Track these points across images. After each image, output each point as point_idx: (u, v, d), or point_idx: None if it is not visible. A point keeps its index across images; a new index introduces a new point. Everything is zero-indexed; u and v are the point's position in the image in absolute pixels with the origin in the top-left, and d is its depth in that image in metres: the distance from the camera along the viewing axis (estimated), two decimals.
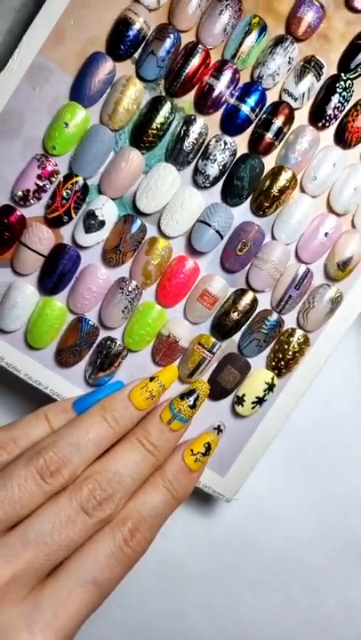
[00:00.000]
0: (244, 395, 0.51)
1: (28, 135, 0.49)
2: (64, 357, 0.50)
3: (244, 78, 0.49)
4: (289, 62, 0.48)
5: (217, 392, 0.51)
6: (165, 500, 0.45)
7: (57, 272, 0.49)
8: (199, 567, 0.60)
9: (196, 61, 0.48)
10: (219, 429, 0.51)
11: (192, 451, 0.47)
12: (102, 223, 0.49)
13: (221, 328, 0.50)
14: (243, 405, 0.51)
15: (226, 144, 0.49)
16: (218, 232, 0.49)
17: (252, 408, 0.51)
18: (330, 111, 0.49)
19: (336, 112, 0.49)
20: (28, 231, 0.49)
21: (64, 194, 0.49)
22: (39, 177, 0.48)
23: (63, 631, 0.39)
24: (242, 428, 0.52)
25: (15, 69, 0.48)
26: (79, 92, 0.48)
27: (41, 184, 0.49)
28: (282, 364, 0.51)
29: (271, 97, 0.49)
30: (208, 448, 0.48)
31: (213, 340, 0.50)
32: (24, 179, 0.49)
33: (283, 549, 0.61)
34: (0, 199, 0.49)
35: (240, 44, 0.48)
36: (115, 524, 0.43)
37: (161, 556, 0.59)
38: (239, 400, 0.51)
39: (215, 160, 0.49)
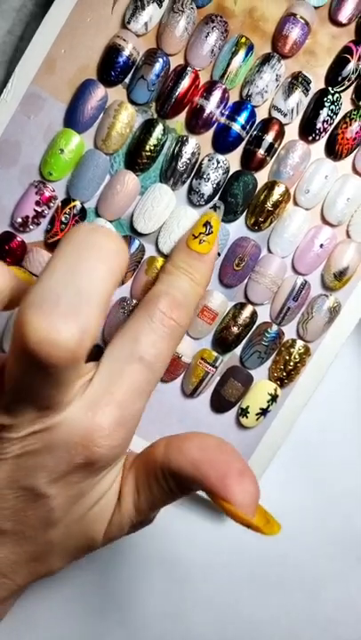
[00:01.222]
0: (248, 406, 0.47)
1: (25, 163, 0.46)
2: None
3: (234, 97, 0.46)
4: (277, 79, 0.45)
5: (221, 405, 0.48)
6: (188, 283, 0.40)
7: None
8: (200, 566, 0.57)
9: (185, 83, 0.45)
10: (215, 207, 0.45)
11: (193, 235, 0.41)
12: None
13: (223, 342, 0.47)
14: (247, 417, 0.48)
15: (218, 162, 0.45)
16: None
17: (257, 419, 0.48)
18: (319, 125, 0.45)
19: (326, 125, 0.45)
20: (28, 256, 0.46)
21: (63, 218, 0.45)
22: (37, 203, 0.45)
23: (124, 405, 0.33)
24: (247, 440, 0.48)
25: (9, 99, 0.46)
26: (73, 119, 0.45)
27: (39, 210, 0.46)
28: (284, 375, 0.47)
29: (261, 114, 0.46)
30: (209, 226, 0.41)
31: (215, 354, 0.47)
32: (23, 205, 0.46)
33: (283, 549, 0.57)
34: (0, 226, 0.46)
35: (228, 65, 0.45)
36: (146, 303, 0.37)
37: (162, 556, 0.56)
38: (243, 412, 0.48)
39: (209, 179, 0.45)
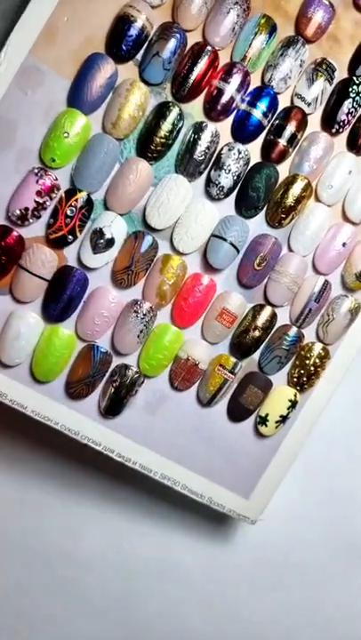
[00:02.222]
0: (267, 414, 0.42)
1: (22, 146, 0.38)
2: (76, 390, 0.39)
3: (255, 82, 0.40)
4: (300, 65, 0.39)
5: (239, 413, 0.42)
6: None
7: (64, 297, 0.38)
8: (199, 566, 0.51)
9: (203, 64, 0.38)
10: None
11: None
12: (111, 242, 0.38)
13: (241, 347, 0.41)
14: (267, 425, 0.42)
15: (240, 152, 0.39)
16: (234, 246, 0.40)
17: (276, 427, 0.42)
18: (343, 116, 0.40)
19: (349, 117, 0.40)
20: (27, 254, 0.38)
21: (68, 211, 0.38)
22: (38, 193, 0.37)
23: None
24: (264, 448, 0.43)
25: (2, 71, 0.37)
26: (78, 98, 0.37)
27: (40, 201, 0.37)
28: (304, 380, 0.42)
29: (283, 101, 0.40)
30: None
31: (234, 359, 0.41)
32: (21, 195, 0.37)
33: (284, 549, 0.52)
34: None
35: (250, 46, 0.39)
36: None
37: (161, 555, 0.50)
38: (263, 420, 0.42)
39: (230, 170, 0.39)
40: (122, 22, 0.37)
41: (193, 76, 0.38)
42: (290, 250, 0.41)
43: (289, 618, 0.53)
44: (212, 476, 0.43)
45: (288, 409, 0.42)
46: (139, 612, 0.51)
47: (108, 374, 0.40)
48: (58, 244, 0.38)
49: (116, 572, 0.49)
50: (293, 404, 0.42)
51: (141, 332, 0.39)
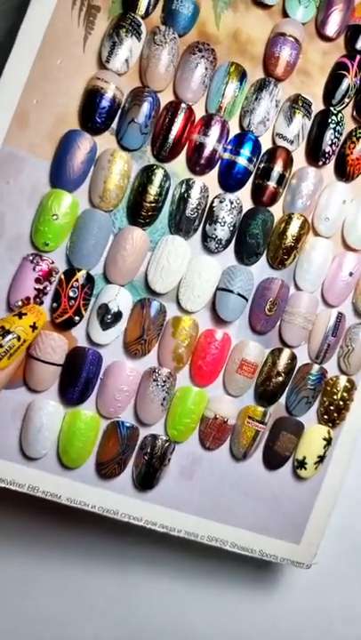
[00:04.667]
0: (304, 457, 0.40)
1: (12, 234, 0.36)
2: (108, 470, 0.37)
3: (234, 129, 0.38)
4: (276, 105, 0.38)
5: (276, 461, 0.40)
6: None
7: (80, 380, 0.36)
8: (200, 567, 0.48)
9: (180, 121, 0.37)
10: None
11: None
12: (118, 315, 0.37)
13: (267, 394, 0.39)
14: (306, 468, 0.40)
15: (231, 203, 0.37)
16: (242, 296, 0.38)
17: (316, 468, 0.40)
18: (327, 148, 0.39)
19: (333, 147, 0.39)
20: (36, 342, 0.36)
21: (70, 293, 0.36)
22: (37, 280, 0.35)
23: None
24: (306, 491, 0.41)
25: None
26: (61, 178, 0.35)
27: (40, 287, 0.35)
28: (335, 416, 0.40)
29: (264, 143, 0.39)
30: (5, 334, 0.31)
31: (262, 409, 0.39)
32: (20, 285, 0.35)
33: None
34: None
35: (223, 95, 0.37)
36: None
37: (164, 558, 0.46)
38: (301, 464, 0.40)
39: (225, 222, 0.37)
40: (92, 96, 0.35)
41: (172, 135, 0.36)
42: (297, 288, 0.40)
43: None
44: (259, 529, 0.40)
45: (324, 447, 0.40)
46: (141, 612, 0.47)
47: (137, 447, 0.38)
48: (65, 326, 0.36)
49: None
50: (328, 441, 0.40)
51: (164, 399, 0.37)
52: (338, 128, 0.39)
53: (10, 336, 0.32)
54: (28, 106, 0.36)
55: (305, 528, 0.41)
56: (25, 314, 0.33)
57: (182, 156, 0.37)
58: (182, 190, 0.37)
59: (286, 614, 0.48)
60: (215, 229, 0.37)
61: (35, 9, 0.35)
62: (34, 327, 0.33)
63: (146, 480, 0.38)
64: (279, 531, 0.41)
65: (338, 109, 0.39)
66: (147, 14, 0.36)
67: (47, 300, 0.36)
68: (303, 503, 0.41)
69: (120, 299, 0.36)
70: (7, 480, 0.37)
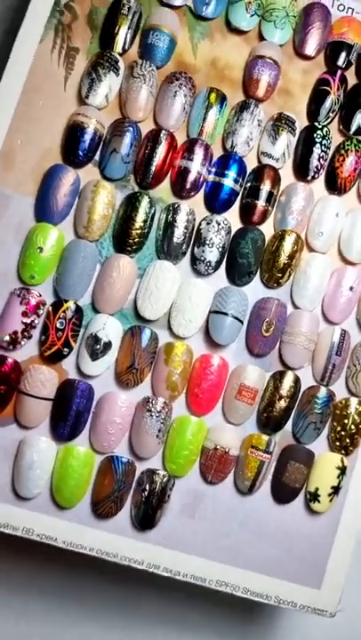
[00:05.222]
0: (317, 489, 0.37)
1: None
2: (104, 509, 0.35)
3: (217, 151, 0.38)
4: (259, 125, 0.38)
5: (286, 494, 0.37)
6: None
7: (71, 414, 0.35)
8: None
9: (162, 149, 0.37)
10: None
11: None
12: (108, 345, 0.35)
13: (270, 421, 0.37)
14: (319, 501, 0.37)
15: (219, 224, 0.37)
16: (236, 318, 0.36)
17: (330, 500, 0.37)
18: (315, 163, 0.38)
19: (321, 162, 0.38)
20: (26, 377, 0.35)
21: (58, 324, 0.35)
22: (24, 314, 0.35)
23: None
24: (323, 527, 0.37)
25: None
26: (46, 212, 0.36)
27: (28, 321, 0.35)
28: (347, 442, 0.37)
29: (250, 162, 0.38)
30: None
31: (266, 437, 0.37)
32: (8, 320, 0.35)
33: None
34: None
35: (204, 121, 0.37)
36: None
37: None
38: (313, 496, 0.37)
39: (213, 243, 0.36)
40: (74, 131, 0.36)
41: (155, 162, 0.36)
42: (295, 307, 0.38)
43: None
44: (274, 572, 0.37)
45: (338, 477, 0.37)
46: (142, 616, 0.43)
47: (134, 484, 0.36)
48: (54, 359, 0.35)
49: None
50: (343, 470, 0.37)
51: (160, 430, 0.35)
52: (324, 142, 0.38)
53: None
54: (12, 146, 0.36)
55: (325, 570, 0.37)
56: None
57: (167, 182, 0.37)
58: (168, 215, 0.37)
59: None
60: (203, 251, 0.36)
61: (16, 55, 0.36)
62: None
63: (145, 519, 0.36)
64: (296, 573, 0.37)
65: (323, 124, 0.38)
66: (124, 50, 0.37)
67: (36, 332, 0.36)
68: (321, 541, 0.37)
69: (109, 328, 0.36)
70: (1, 523, 0.35)
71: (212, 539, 0.37)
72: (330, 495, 0.37)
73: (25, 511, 0.35)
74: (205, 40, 0.38)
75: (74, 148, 0.36)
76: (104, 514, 0.35)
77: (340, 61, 0.39)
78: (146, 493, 0.35)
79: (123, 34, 0.37)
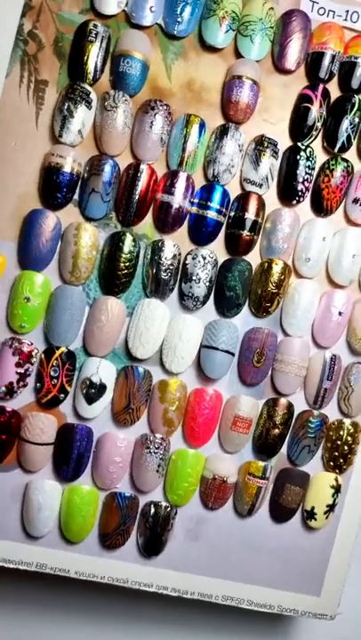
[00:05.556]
0: (313, 507, 0.38)
1: None
2: (112, 541, 0.37)
3: (198, 180, 0.37)
4: (240, 150, 0.36)
5: (283, 514, 0.39)
6: None
7: (72, 458, 0.36)
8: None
9: (143, 183, 0.36)
10: None
11: None
12: (103, 387, 0.36)
13: (266, 448, 0.38)
14: (316, 519, 0.38)
15: (205, 258, 0.36)
16: (227, 351, 0.37)
17: (326, 517, 0.39)
18: (300, 187, 0.37)
19: (306, 184, 0.37)
20: (25, 425, 0.36)
21: (51, 372, 0.35)
22: (18, 364, 0.35)
23: None
24: (320, 540, 0.39)
25: None
26: (29, 259, 0.35)
27: (22, 371, 0.35)
28: (340, 462, 0.38)
29: (233, 189, 0.37)
30: None
31: (262, 463, 0.38)
32: (2, 371, 0.35)
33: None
34: None
35: (183, 150, 0.36)
36: None
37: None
38: (310, 515, 0.38)
39: (200, 279, 0.36)
40: (50, 173, 0.35)
41: (135, 198, 0.36)
42: (285, 334, 0.38)
43: None
44: (276, 584, 0.39)
45: (333, 496, 0.38)
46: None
47: (138, 515, 0.37)
48: (51, 405, 0.36)
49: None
50: (337, 489, 0.38)
51: (160, 465, 0.37)
52: (309, 163, 0.37)
53: None
54: None
55: (324, 578, 0.40)
56: None
57: (149, 217, 0.37)
58: (153, 253, 0.36)
59: None
60: (191, 287, 0.36)
61: None
62: None
63: (151, 547, 0.37)
64: (297, 584, 0.39)
65: (306, 144, 0.37)
66: (95, 80, 0.35)
67: (31, 379, 0.36)
68: (319, 553, 0.39)
69: (102, 371, 0.36)
70: (15, 561, 0.37)
71: (215, 558, 0.39)
72: (325, 513, 0.38)
73: (37, 547, 0.37)
74: (179, 60, 0.36)
75: (52, 191, 0.35)
76: (112, 545, 0.37)
77: (322, 73, 0.37)
78: (150, 524, 0.37)
79: (92, 62, 0.35)
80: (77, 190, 0.36)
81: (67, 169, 0.35)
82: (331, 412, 0.39)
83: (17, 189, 0.36)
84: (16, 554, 0.37)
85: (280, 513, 0.38)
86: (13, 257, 0.36)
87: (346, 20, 0.37)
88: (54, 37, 0.35)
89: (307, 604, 0.40)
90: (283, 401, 0.38)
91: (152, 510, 0.37)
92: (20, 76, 0.35)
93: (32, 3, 0.35)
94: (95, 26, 0.35)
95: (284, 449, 0.38)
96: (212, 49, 0.36)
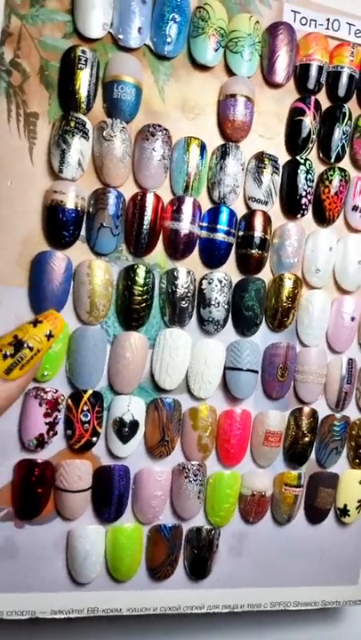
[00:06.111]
0: (345, 505, 0.40)
1: None
2: (162, 573, 0.37)
3: (204, 201, 0.36)
4: (242, 169, 0.36)
5: (319, 516, 0.40)
6: None
7: (113, 499, 0.35)
8: None
9: (150, 212, 0.35)
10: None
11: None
12: (135, 425, 0.35)
13: (297, 456, 0.39)
14: (349, 515, 0.40)
15: (220, 282, 0.36)
16: (251, 370, 0.37)
17: (359, 512, 0.40)
18: (303, 200, 0.37)
19: (308, 197, 0.37)
20: (60, 474, 0.34)
21: (82, 417, 0.34)
22: (46, 414, 0.34)
23: None
24: (353, 533, 0.41)
25: None
26: (43, 304, 0.33)
27: (51, 420, 0.34)
28: None
29: (237, 206, 0.37)
30: (18, 344, 0.29)
31: (296, 472, 0.39)
32: (30, 424, 0.34)
33: None
34: (11, 454, 0.34)
35: (187, 175, 0.35)
36: None
37: None
38: (344, 512, 0.40)
39: (218, 303, 0.36)
40: (54, 211, 0.33)
41: (145, 230, 0.35)
42: (302, 344, 0.39)
43: None
44: (316, 581, 0.41)
45: None
46: None
47: (183, 542, 0.37)
48: (84, 449, 0.35)
49: None
50: None
51: (200, 492, 0.37)
52: (308, 176, 0.37)
53: (23, 346, 0.29)
54: None
55: (360, 567, 0.42)
56: (41, 321, 0.31)
57: (160, 245, 0.36)
58: (168, 282, 0.35)
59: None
60: (210, 312, 0.36)
61: None
62: (49, 336, 0.30)
63: (199, 571, 0.38)
64: (335, 577, 0.41)
65: (304, 157, 0.37)
66: (89, 109, 0.34)
67: (59, 427, 0.35)
68: (352, 545, 0.41)
69: (133, 408, 0.35)
70: (65, 610, 0.36)
71: (258, 569, 0.40)
72: (358, 508, 0.40)
73: (86, 593, 0.36)
74: (171, 80, 0.35)
75: (58, 230, 0.33)
76: (162, 577, 0.37)
77: (311, 85, 0.37)
78: (196, 550, 0.37)
79: (85, 90, 0.33)
80: (84, 225, 0.34)
81: (70, 205, 0.33)
82: (351, 412, 0.40)
83: (19, 231, 0.33)
84: (66, 603, 0.36)
85: (315, 515, 0.40)
86: (25, 303, 0.34)
87: (328, 28, 0.38)
88: (39, 65, 0.33)
89: (346, 594, 0.42)
90: (307, 409, 0.39)
91: (197, 535, 0.37)
92: (7, 110, 0.33)
93: (10, 29, 0.33)
94: (84, 52, 0.33)
95: (312, 454, 0.40)
96: (202, 67, 0.35)
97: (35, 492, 0.34)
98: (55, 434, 0.34)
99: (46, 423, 0.34)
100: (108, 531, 0.36)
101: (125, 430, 0.35)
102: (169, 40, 0.34)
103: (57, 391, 0.34)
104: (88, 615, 0.36)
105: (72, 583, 0.36)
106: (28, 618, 0.35)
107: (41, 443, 0.34)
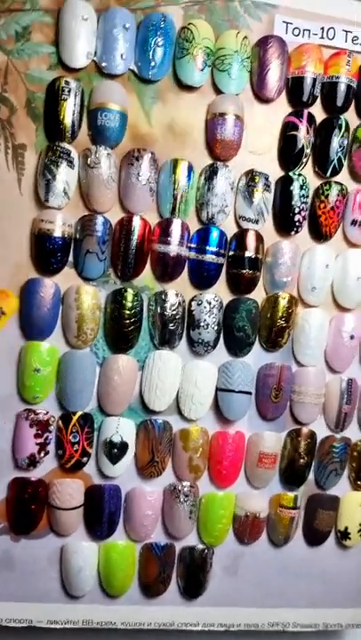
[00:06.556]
0: (346, 527, 0.39)
1: (1, 395, 0.35)
2: (154, 590, 0.38)
3: (193, 223, 0.36)
4: (232, 188, 0.36)
5: (318, 538, 0.39)
6: None
7: (105, 518, 0.36)
8: None
9: (137, 236, 0.35)
10: None
11: None
12: (125, 446, 0.36)
13: (294, 478, 0.38)
14: (350, 538, 0.39)
15: (210, 303, 0.36)
16: (244, 392, 0.37)
17: (360, 535, 0.39)
18: (297, 217, 0.36)
19: (303, 213, 0.36)
20: (53, 492, 0.36)
21: (71, 438, 0.35)
22: (37, 435, 0.35)
23: None
24: (356, 555, 0.40)
25: None
26: (33, 330, 0.35)
27: (41, 441, 0.35)
28: None
29: (228, 226, 0.36)
30: None
31: (292, 494, 0.38)
32: (22, 444, 0.35)
33: None
34: (6, 471, 0.36)
35: (173, 197, 0.35)
36: None
37: None
38: (344, 535, 0.39)
39: (207, 324, 0.36)
40: (42, 240, 0.34)
41: (132, 254, 0.35)
42: (299, 364, 0.38)
43: None
44: (317, 603, 0.40)
45: None
46: None
47: (176, 560, 0.38)
48: (75, 469, 0.36)
49: None
50: None
51: (191, 512, 0.37)
52: (303, 192, 0.36)
53: None
54: None
55: None
56: None
57: (148, 268, 0.36)
58: (157, 304, 0.36)
59: None
60: (200, 333, 0.36)
61: None
62: (1, 313, 0.31)
63: (193, 589, 0.38)
64: (338, 600, 0.40)
65: (297, 172, 0.36)
66: (73, 137, 0.34)
67: (51, 447, 0.36)
68: (355, 567, 0.40)
69: (122, 430, 0.36)
70: (61, 621, 0.37)
71: (256, 588, 0.39)
72: (359, 531, 0.39)
73: (81, 605, 0.38)
74: (158, 103, 0.35)
75: (46, 257, 0.34)
76: (155, 594, 0.38)
77: (305, 97, 0.36)
78: (189, 568, 0.38)
79: (69, 120, 0.34)
80: (71, 251, 0.35)
81: (57, 234, 0.34)
82: (352, 433, 0.39)
83: (9, 260, 0.35)
84: (61, 614, 0.37)
85: (315, 537, 0.39)
86: (16, 328, 0.35)
87: (323, 37, 0.36)
88: (26, 98, 0.34)
89: (349, 617, 0.40)
90: (305, 430, 0.38)
91: (189, 555, 0.38)
92: None
93: None
94: (67, 82, 0.33)
95: (311, 475, 0.39)
96: (189, 88, 0.35)
97: (28, 509, 0.35)
98: (47, 453, 0.36)
99: (37, 444, 0.35)
100: (100, 547, 0.37)
101: (115, 451, 0.36)
102: (153, 64, 0.34)
103: (47, 412, 0.35)
104: (83, 627, 0.38)
105: (67, 596, 0.37)
106: (26, 626, 0.37)
107: (33, 462, 0.35)
